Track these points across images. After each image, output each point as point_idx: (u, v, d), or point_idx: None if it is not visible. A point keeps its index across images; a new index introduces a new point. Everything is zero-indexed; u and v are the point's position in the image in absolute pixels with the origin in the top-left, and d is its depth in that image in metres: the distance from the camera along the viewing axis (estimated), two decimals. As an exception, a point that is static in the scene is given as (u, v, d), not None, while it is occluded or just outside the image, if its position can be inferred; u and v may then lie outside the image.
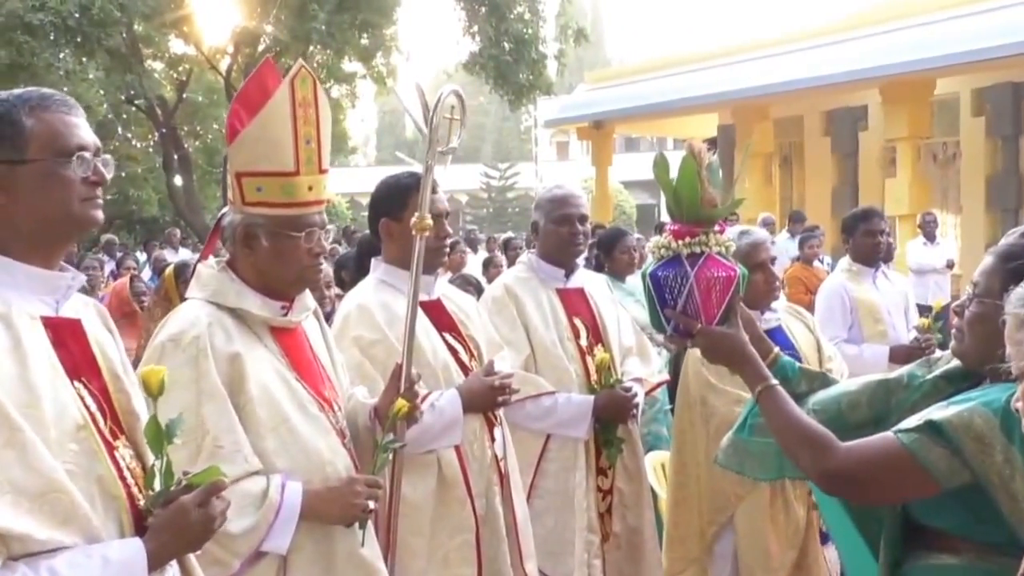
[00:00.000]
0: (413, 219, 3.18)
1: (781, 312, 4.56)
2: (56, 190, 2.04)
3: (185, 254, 15.90)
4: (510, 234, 18.39)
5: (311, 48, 20.36)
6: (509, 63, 20.51)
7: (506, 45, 20.48)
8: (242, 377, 2.76)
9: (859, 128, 18.56)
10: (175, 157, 22.73)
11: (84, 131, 2.10)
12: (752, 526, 4.31)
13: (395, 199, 3.68)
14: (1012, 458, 2.25)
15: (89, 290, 8.57)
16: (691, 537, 4.42)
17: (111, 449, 2.05)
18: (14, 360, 1.92)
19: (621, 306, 4.86)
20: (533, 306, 4.38)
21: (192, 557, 2.24)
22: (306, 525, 2.79)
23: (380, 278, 3.76)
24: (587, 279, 4.67)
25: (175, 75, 23.89)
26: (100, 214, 2.13)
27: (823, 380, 2.91)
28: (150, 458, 2.13)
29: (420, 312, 3.65)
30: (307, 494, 2.77)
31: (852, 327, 6.13)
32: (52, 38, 16.92)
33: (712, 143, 20.51)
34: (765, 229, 14.24)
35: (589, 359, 4.37)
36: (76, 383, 2.04)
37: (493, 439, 3.74)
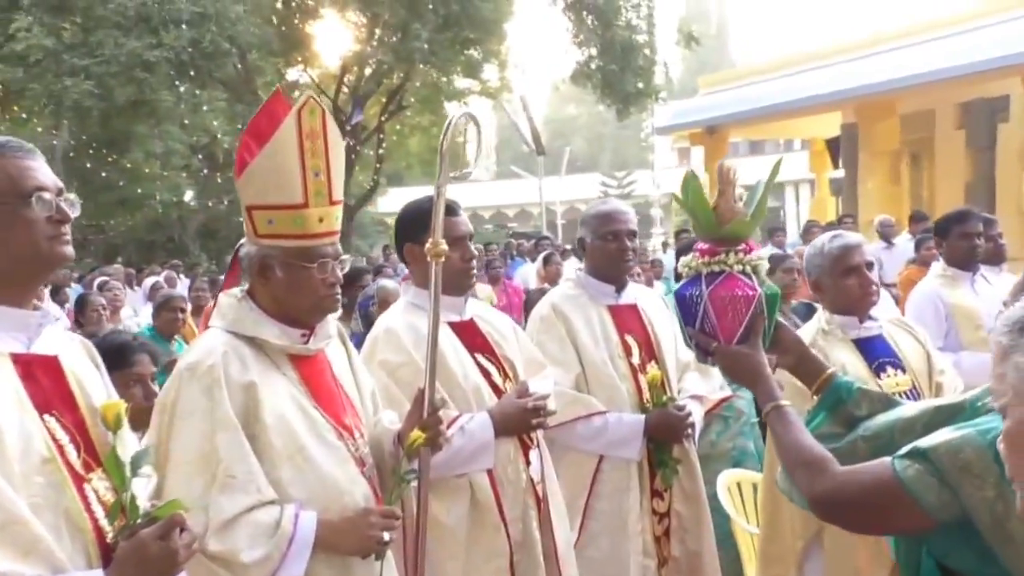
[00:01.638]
0: (428, 244, 3.15)
1: (885, 322, 4.32)
2: (20, 231, 2.12)
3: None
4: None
5: (416, 67, 20.57)
6: (615, 71, 20.37)
7: (612, 53, 20.35)
8: (257, 406, 2.76)
9: (998, 120, 17.63)
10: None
11: (42, 173, 2.17)
12: (840, 544, 4.13)
13: (417, 223, 3.66)
14: (1007, 494, 1.99)
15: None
16: (787, 555, 4.26)
17: (80, 482, 2.09)
18: None
19: None
20: (582, 323, 4.31)
21: None
22: (323, 555, 2.77)
23: (410, 301, 3.76)
24: (640, 294, 4.57)
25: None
26: (69, 250, 2.20)
27: (886, 403, 2.72)
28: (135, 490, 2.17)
29: (450, 334, 3.65)
30: (321, 524, 2.76)
31: (948, 334, 5.86)
32: (169, 74, 17.49)
33: (834, 143, 20.01)
34: (883, 231, 13.87)
35: (641, 377, 4.28)
36: (46, 416, 2.10)
37: (529, 462, 3.70)
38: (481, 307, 4.04)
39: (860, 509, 2.23)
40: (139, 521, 2.10)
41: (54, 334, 2.29)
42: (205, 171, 27.68)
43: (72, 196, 2.23)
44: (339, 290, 2.95)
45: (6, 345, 2.11)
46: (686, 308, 2.64)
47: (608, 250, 4.33)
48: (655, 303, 4.56)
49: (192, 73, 17.51)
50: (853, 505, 2.24)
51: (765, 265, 2.67)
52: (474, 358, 3.70)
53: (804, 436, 2.40)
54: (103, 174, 25.77)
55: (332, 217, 2.90)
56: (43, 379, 2.15)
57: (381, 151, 23.54)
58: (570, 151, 46.68)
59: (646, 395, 4.25)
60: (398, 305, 3.79)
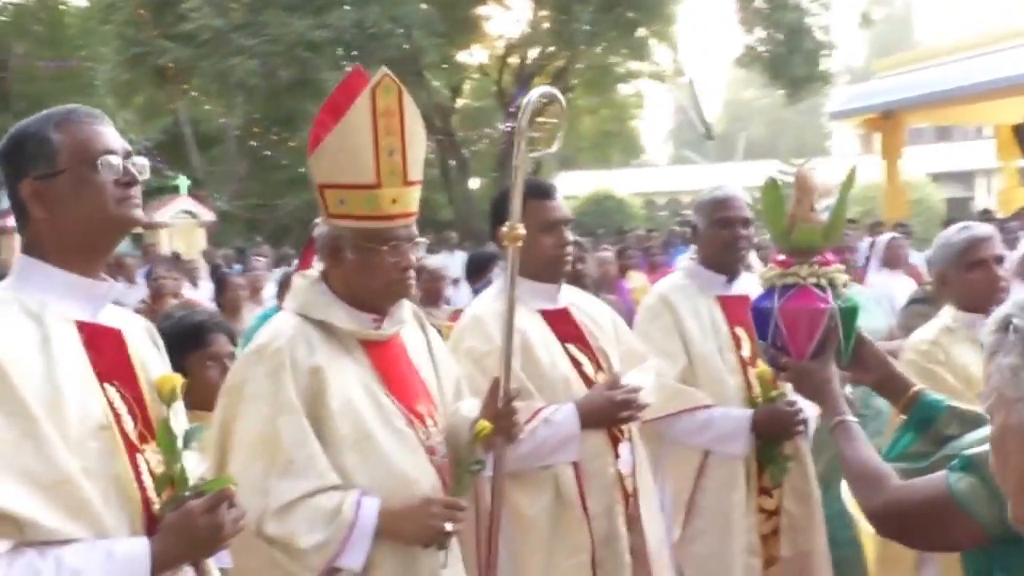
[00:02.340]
0: (504, 229, 3.07)
1: None
2: (89, 195, 2.14)
3: (460, 257, 16.25)
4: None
5: (579, 50, 20.44)
6: (783, 54, 19.78)
7: (780, 36, 19.78)
8: (323, 390, 2.73)
9: None
10: (452, 163, 23.48)
11: (109, 137, 2.19)
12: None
13: (508, 207, 3.59)
14: None
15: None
16: (904, 558, 4.07)
17: (133, 451, 2.11)
18: (42, 357, 2.03)
19: None
20: (690, 314, 4.16)
21: (210, 563, 2.27)
22: (387, 543, 2.74)
23: (501, 288, 3.68)
24: (754, 285, 4.37)
25: (449, 84, 24.62)
26: (139, 212, 2.21)
27: (977, 421, 2.54)
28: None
29: (540, 322, 3.58)
30: (383, 512, 2.71)
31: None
32: (333, 54, 17.87)
33: (1021, 130, 18.92)
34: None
35: (751, 371, 4.10)
36: (107, 385, 2.12)
37: (618, 456, 3.58)
38: (579, 296, 3.94)
39: (916, 523, 2.11)
40: (187, 493, 2.11)
41: (116, 309, 2.32)
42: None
43: (141, 159, 2.24)
44: (413, 274, 2.90)
45: (73, 312, 2.14)
46: (760, 321, 2.57)
47: (720, 238, 4.16)
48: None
49: (355, 53, 17.84)
50: (909, 519, 2.11)
51: (843, 278, 2.55)
52: (565, 348, 3.61)
53: (866, 451, 2.29)
54: (268, 153, 26.54)
55: (407, 198, 2.83)
56: (107, 349, 2.17)
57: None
58: (748, 136, 45.69)
59: (755, 390, 4.07)
60: (489, 292, 3.73)
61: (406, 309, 3.03)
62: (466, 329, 3.55)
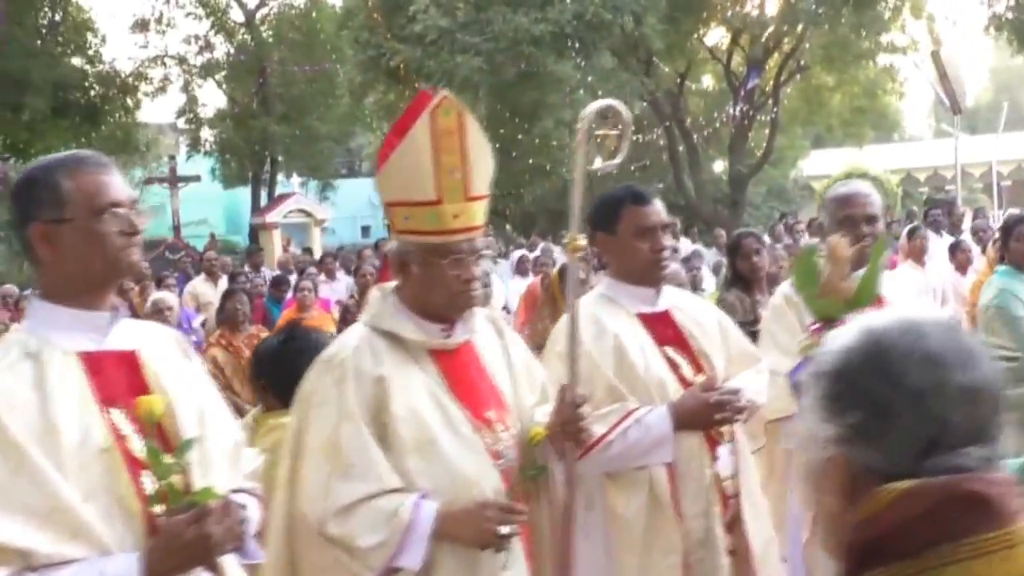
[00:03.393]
0: (565, 239, 3.13)
1: None
2: (95, 244, 2.34)
3: (686, 245, 16.10)
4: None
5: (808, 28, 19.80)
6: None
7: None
8: (387, 398, 2.87)
9: None
10: (680, 149, 23.23)
11: (116, 188, 2.38)
12: None
13: (606, 213, 3.65)
14: None
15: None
16: None
17: (137, 469, 2.29)
18: (36, 394, 2.24)
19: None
20: (814, 313, 4.08)
21: (230, 562, 2.41)
22: (448, 545, 2.84)
23: (601, 291, 3.74)
24: (887, 283, 4.23)
25: (678, 69, 24.25)
26: (136, 258, 2.41)
27: None
28: (195, 476, 2.37)
29: (636, 325, 3.62)
30: (440, 515, 2.81)
31: None
32: (555, 46, 18.08)
33: None
34: None
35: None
36: (112, 409, 2.31)
37: (716, 458, 3.56)
38: (684, 298, 3.94)
39: None
40: (185, 504, 2.26)
41: (137, 330, 2.53)
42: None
43: (145, 206, 2.45)
44: (477, 285, 3.01)
45: (77, 344, 2.35)
46: (798, 394, 2.49)
47: (845, 236, 4.06)
48: (904, 291, 4.20)
49: (577, 46, 18.02)
50: None
51: None
52: (663, 351, 3.63)
53: None
54: (497, 144, 27.04)
55: (470, 213, 2.93)
56: (114, 373, 2.37)
57: (774, 115, 22.84)
58: (1011, 104, 42.62)
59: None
60: (591, 294, 3.78)
61: (479, 317, 3.14)
62: (559, 332, 3.63)
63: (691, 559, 3.48)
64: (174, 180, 25.05)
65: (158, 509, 2.28)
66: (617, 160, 3.27)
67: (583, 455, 3.41)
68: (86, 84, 28.73)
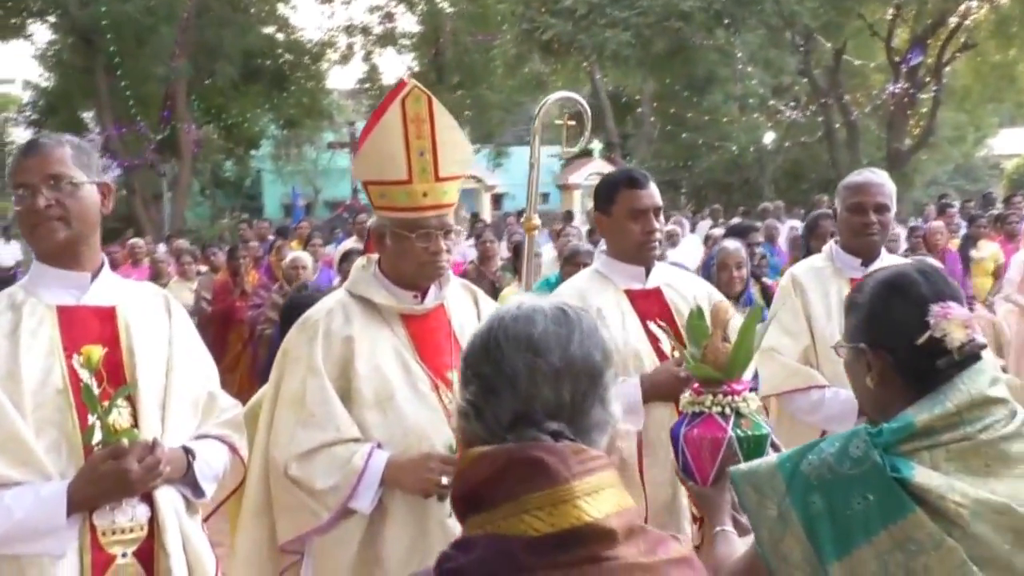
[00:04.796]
0: (523, 218, 3.39)
1: None
2: (20, 216, 2.78)
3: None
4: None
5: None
6: None
7: None
8: (353, 357, 3.21)
9: None
10: (837, 125, 22.58)
11: (28, 171, 2.73)
12: None
13: (603, 195, 3.86)
14: (787, 516, 2.06)
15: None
16: None
17: (84, 410, 2.67)
18: (9, 341, 2.68)
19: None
20: (819, 296, 4.23)
21: (166, 497, 2.77)
22: (400, 492, 3.16)
23: (596, 268, 3.96)
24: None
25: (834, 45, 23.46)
26: (42, 234, 2.74)
27: None
28: (146, 414, 2.76)
29: (622, 301, 3.84)
30: (389, 463, 3.14)
31: None
32: (704, 22, 17.95)
33: None
34: None
35: (877, 353, 4.08)
36: (77, 356, 2.70)
37: (686, 429, 3.75)
38: (679, 276, 4.12)
39: None
40: (110, 443, 2.63)
41: (122, 288, 2.92)
42: (780, 113, 27.71)
43: (69, 186, 2.72)
44: (443, 258, 3.29)
45: (58, 299, 2.78)
46: (674, 445, 2.70)
47: (852, 223, 4.18)
48: None
49: (726, 22, 17.84)
50: None
51: (751, 406, 2.66)
52: (645, 325, 3.83)
53: (732, 554, 2.44)
54: (665, 119, 26.97)
55: (438, 192, 3.23)
56: (87, 325, 2.77)
57: (935, 92, 21.94)
58: None
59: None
60: (585, 272, 4.01)
61: (454, 285, 3.44)
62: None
63: (655, 524, 3.69)
64: (355, 145, 26.07)
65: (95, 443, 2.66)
66: (576, 149, 3.49)
67: (555, 418, 3.69)
68: (276, 52, 30.10)
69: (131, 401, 2.76)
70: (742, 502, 2.17)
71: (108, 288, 2.89)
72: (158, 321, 2.96)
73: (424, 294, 3.35)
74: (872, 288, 2.21)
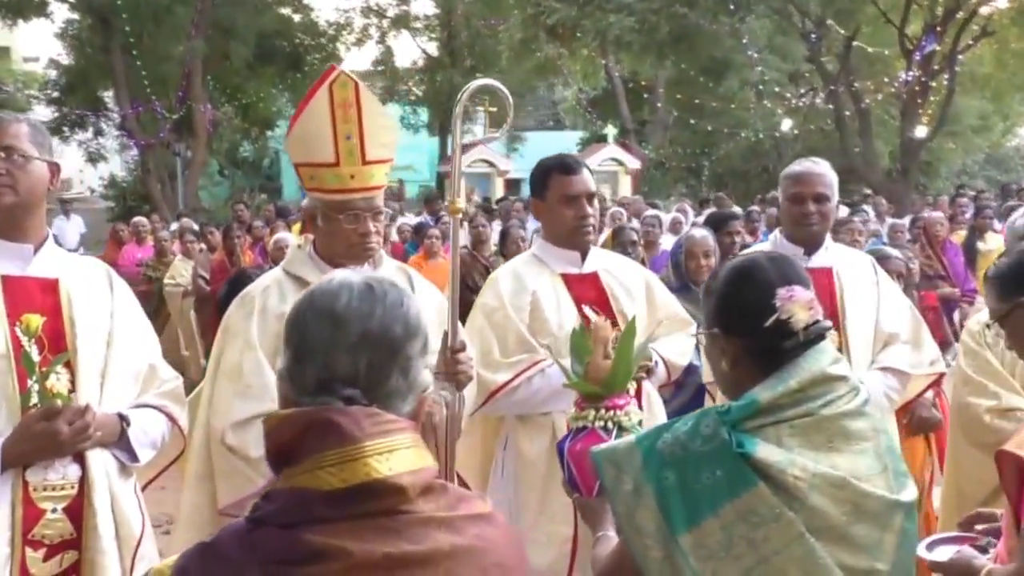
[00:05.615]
0: (446, 201, 3.48)
1: None
2: None
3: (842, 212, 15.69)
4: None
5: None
6: None
7: None
8: None
9: None
10: (848, 113, 22.49)
11: None
12: None
13: (537, 180, 3.96)
14: (642, 489, 2.19)
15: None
16: None
17: (23, 375, 2.83)
18: None
19: None
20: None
21: (97, 459, 2.91)
22: None
23: (533, 252, 4.07)
24: (841, 259, 4.34)
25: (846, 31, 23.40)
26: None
27: None
28: (84, 382, 2.91)
29: (558, 284, 3.96)
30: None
31: None
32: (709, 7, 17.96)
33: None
34: None
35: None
36: (17, 322, 2.85)
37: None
38: (616, 261, 4.21)
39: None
40: (44, 406, 2.79)
41: (66, 261, 3.07)
42: (794, 100, 27.54)
43: (18, 158, 2.86)
44: (373, 239, 3.40)
45: (4, 269, 2.91)
46: (560, 459, 2.78)
47: (792, 213, 4.23)
48: (857, 270, 4.32)
49: (732, 7, 17.83)
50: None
51: (633, 419, 2.74)
52: (580, 309, 3.93)
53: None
54: (683, 104, 26.91)
55: (365, 175, 3.34)
56: (31, 295, 2.92)
57: (946, 81, 21.79)
58: None
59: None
60: (524, 255, 4.12)
61: (388, 268, 3.54)
62: (486, 286, 4.00)
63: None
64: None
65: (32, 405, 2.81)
66: (498, 135, 3.58)
67: (490, 398, 3.81)
68: (291, 33, 30.20)
69: (71, 369, 2.91)
70: (601, 479, 2.29)
71: (52, 261, 3.03)
72: (100, 294, 3.10)
73: None
74: (724, 275, 2.33)
